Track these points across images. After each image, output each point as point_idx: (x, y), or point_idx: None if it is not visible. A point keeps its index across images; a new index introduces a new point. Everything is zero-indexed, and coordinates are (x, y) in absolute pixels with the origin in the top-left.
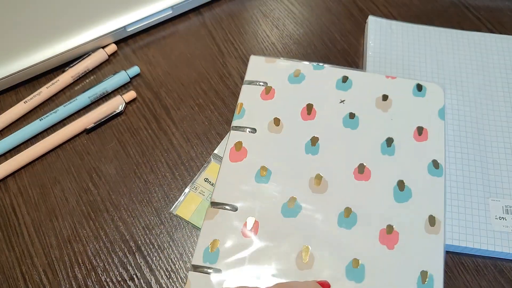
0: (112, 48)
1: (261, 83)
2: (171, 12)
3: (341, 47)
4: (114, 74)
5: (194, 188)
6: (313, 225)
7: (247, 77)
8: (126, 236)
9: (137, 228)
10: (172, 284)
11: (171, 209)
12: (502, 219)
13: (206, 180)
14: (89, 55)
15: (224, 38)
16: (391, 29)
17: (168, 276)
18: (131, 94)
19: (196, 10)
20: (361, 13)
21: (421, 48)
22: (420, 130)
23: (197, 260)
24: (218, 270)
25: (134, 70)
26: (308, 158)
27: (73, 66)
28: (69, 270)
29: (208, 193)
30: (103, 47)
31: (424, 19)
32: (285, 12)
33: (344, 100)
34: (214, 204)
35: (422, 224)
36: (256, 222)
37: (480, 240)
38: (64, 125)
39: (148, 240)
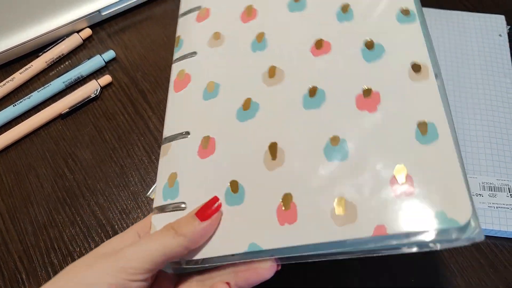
0: (87, 32)
1: (195, 9)
2: None
3: None
4: (89, 59)
5: None
6: (275, 118)
7: (181, 10)
8: (103, 221)
9: (113, 213)
10: None
11: (148, 193)
12: (479, 195)
13: None
14: (64, 39)
15: None
16: None
17: None
18: (106, 79)
19: None
20: None
21: None
22: None
23: (158, 201)
24: (181, 204)
25: (110, 54)
26: (256, 56)
27: (47, 51)
28: (45, 256)
29: None
30: (77, 32)
31: None
32: None
33: None
34: (166, 140)
35: (406, 74)
36: (211, 140)
37: None
38: (39, 110)
39: (125, 225)
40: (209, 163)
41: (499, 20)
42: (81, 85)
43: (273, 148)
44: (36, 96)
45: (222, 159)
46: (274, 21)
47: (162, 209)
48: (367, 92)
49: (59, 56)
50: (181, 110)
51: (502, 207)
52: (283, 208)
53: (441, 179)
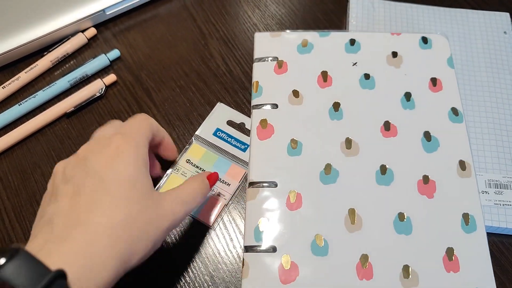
0: (92, 31)
1: (271, 59)
2: None
3: (324, 27)
4: (94, 58)
5: (176, 170)
6: (353, 188)
7: (256, 55)
8: None
9: None
10: (155, 262)
11: None
12: (485, 193)
13: (188, 161)
14: (68, 39)
15: (205, 19)
16: (373, 8)
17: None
18: (111, 77)
19: None
20: None
21: (403, 26)
22: (434, 81)
23: (249, 240)
24: (272, 247)
25: (114, 53)
26: (334, 124)
27: (52, 50)
28: None
29: (190, 174)
30: (82, 31)
31: None
32: None
33: (356, 63)
34: (252, 184)
35: (455, 170)
36: (298, 195)
37: None
38: (44, 109)
39: None
40: (297, 215)
41: (504, 17)
42: (86, 84)
43: (352, 214)
44: (42, 95)
45: (308, 214)
46: (348, 94)
47: (254, 249)
48: (426, 179)
49: (64, 56)
50: (267, 159)
51: (508, 204)
52: (362, 266)
53: (478, 265)
